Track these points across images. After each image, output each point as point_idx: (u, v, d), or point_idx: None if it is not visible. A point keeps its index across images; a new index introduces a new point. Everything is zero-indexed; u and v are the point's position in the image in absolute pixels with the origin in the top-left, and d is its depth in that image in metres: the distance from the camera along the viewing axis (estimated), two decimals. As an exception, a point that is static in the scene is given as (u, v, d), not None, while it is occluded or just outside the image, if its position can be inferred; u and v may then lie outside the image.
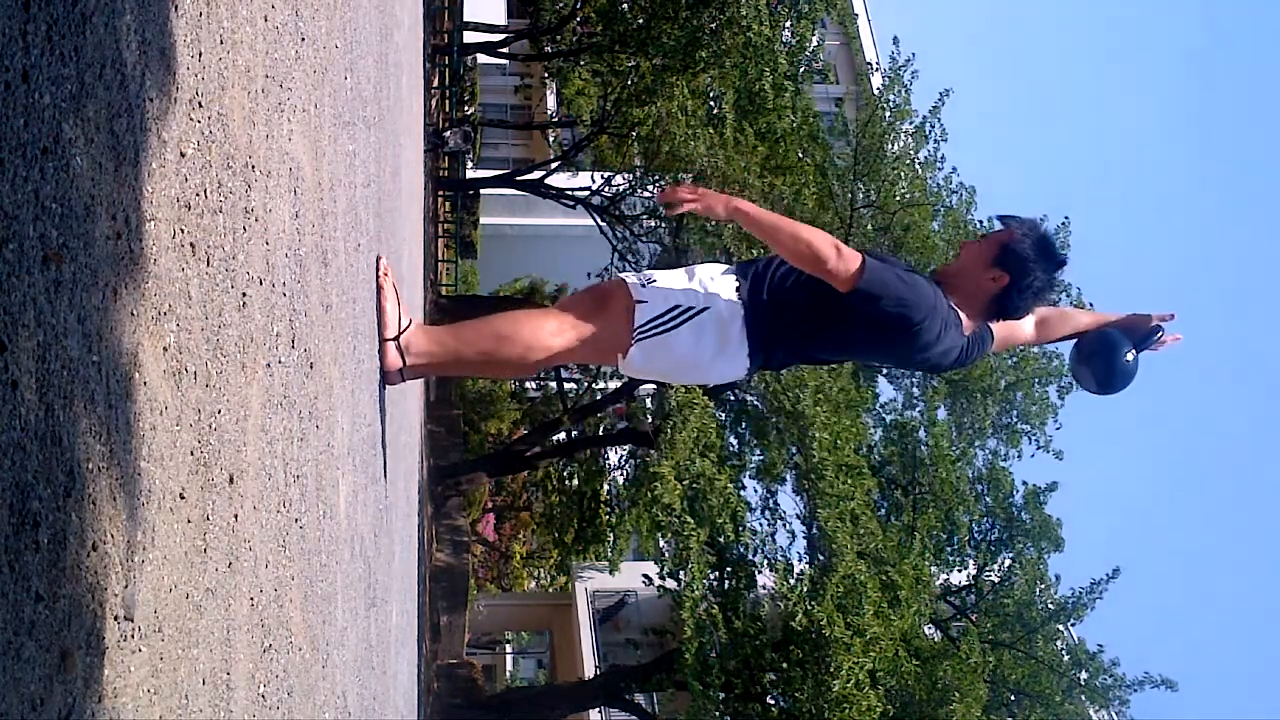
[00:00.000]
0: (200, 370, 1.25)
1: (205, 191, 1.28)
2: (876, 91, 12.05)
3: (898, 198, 11.47)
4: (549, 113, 19.76)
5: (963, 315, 2.80)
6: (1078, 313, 3.17)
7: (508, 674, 26.36)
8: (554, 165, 15.65)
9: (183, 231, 1.20)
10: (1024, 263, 2.76)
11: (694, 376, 3.03)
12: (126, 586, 1.01)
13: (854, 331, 2.75)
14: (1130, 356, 2.92)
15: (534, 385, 19.74)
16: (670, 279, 2.83)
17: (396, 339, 2.85)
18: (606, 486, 16.76)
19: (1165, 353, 3.05)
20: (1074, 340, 3.07)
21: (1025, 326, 3.04)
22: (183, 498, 1.17)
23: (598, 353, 2.95)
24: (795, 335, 2.82)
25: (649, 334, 2.76)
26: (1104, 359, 2.94)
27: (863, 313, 2.67)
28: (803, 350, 2.90)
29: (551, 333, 2.79)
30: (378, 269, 2.92)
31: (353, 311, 2.51)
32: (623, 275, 2.87)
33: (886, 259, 2.81)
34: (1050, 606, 10.94)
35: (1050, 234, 2.89)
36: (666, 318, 2.75)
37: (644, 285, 2.79)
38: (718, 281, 2.81)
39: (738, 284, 2.80)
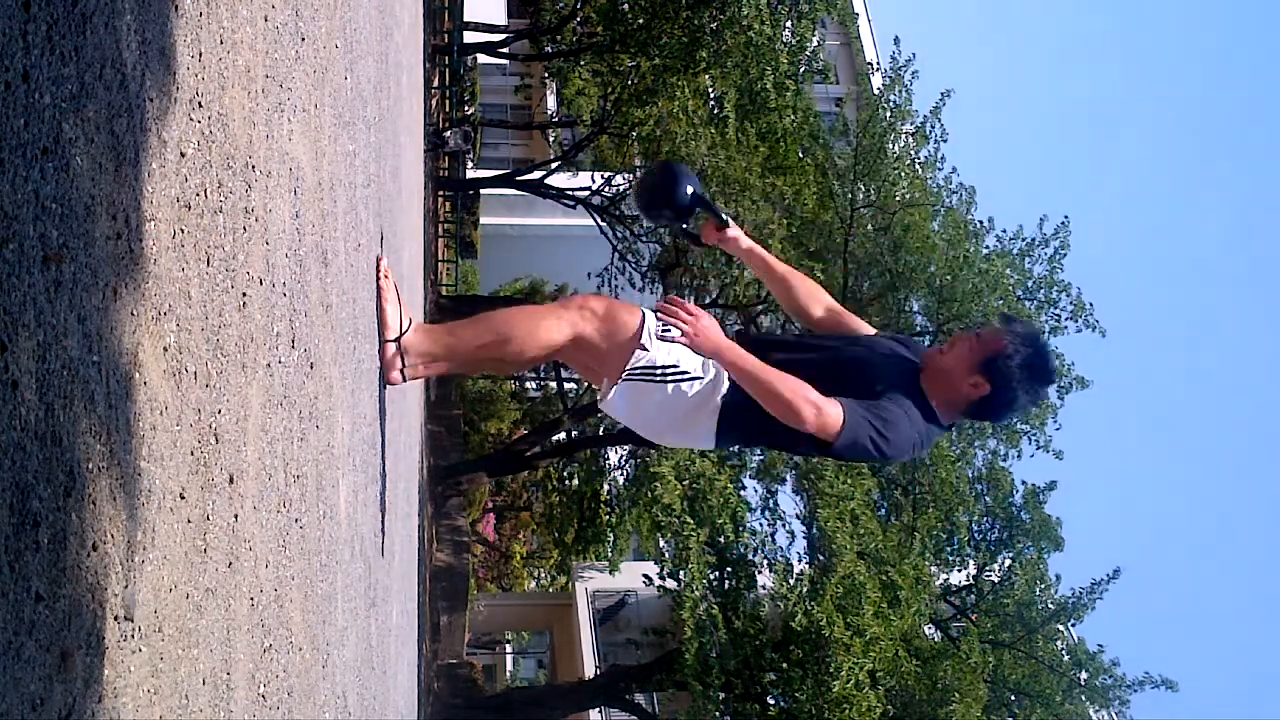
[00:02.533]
0: (200, 370, 1.25)
1: (205, 191, 1.28)
2: (877, 92, 12.05)
3: (898, 198, 11.48)
4: (549, 113, 19.75)
5: (942, 416, 2.74)
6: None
7: (508, 674, 26.35)
8: (554, 165, 15.64)
9: (183, 231, 1.20)
10: (1007, 380, 2.66)
11: (654, 436, 3.03)
12: (126, 586, 1.01)
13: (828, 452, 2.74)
14: (690, 191, 2.87)
15: (534, 385, 19.74)
16: (679, 342, 2.76)
17: (397, 340, 2.85)
18: (606, 486, 16.75)
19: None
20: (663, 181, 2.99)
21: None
22: (183, 498, 1.17)
23: (585, 368, 2.99)
24: (767, 437, 2.82)
25: (637, 377, 2.75)
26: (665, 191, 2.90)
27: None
28: (774, 445, 2.94)
29: (550, 330, 2.77)
30: (378, 270, 2.92)
31: (353, 311, 2.51)
32: (646, 311, 2.80)
33: (870, 361, 2.74)
34: (1050, 606, 10.94)
35: (1045, 351, 2.75)
36: (659, 372, 2.75)
37: (656, 336, 2.74)
38: (714, 372, 2.79)
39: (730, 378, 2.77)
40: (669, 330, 2.66)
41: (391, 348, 2.85)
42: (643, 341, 2.75)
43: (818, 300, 3.02)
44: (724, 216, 2.92)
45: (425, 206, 11.12)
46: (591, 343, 2.79)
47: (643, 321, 2.77)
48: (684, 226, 2.99)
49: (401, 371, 2.90)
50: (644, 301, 12.95)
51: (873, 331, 2.97)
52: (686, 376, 2.75)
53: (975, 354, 2.70)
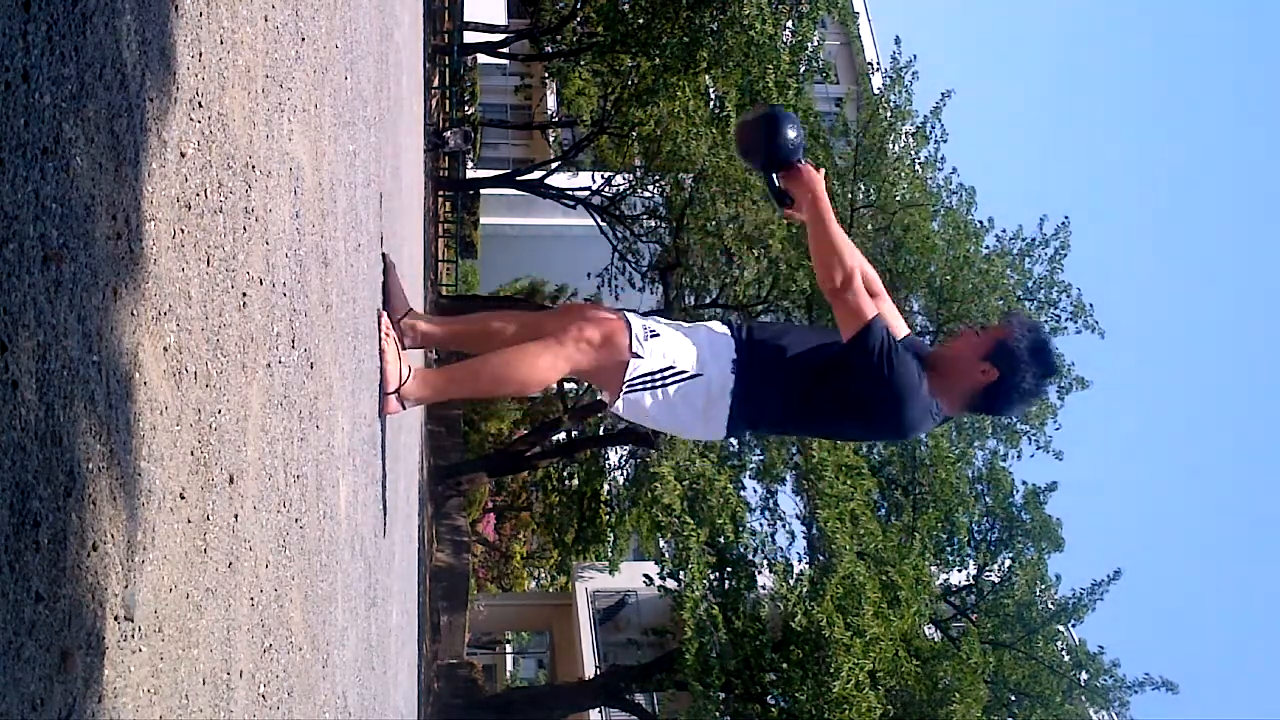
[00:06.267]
0: (200, 370, 1.25)
1: (205, 191, 1.28)
2: (877, 92, 12.05)
3: (898, 198, 11.48)
4: (549, 113, 19.75)
5: (942, 402, 2.83)
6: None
7: (508, 674, 26.34)
8: (554, 165, 15.63)
9: (183, 231, 1.20)
10: (1016, 363, 2.76)
11: (673, 431, 3.12)
12: (126, 586, 1.01)
13: (840, 405, 2.82)
14: (792, 134, 2.80)
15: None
16: (671, 336, 2.84)
17: (397, 391, 2.93)
18: (606, 486, 16.75)
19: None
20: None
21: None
22: (183, 498, 1.17)
23: (587, 379, 3.05)
24: (779, 411, 2.88)
25: (637, 388, 2.81)
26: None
27: (848, 383, 2.74)
28: (784, 425, 3.02)
29: (546, 368, 2.82)
30: (379, 327, 2.94)
31: (353, 311, 2.51)
32: (629, 318, 2.84)
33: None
34: (1051, 607, 10.93)
35: (1047, 337, 2.87)
36: (658, 376, 2.79)
37: (645, 340, 2.80)
38: (716, 350, 2.84)
39: (734, 356, 2.83)
40: (655, 333, 2.77)
41: (393, 400, 2.93)
42: (634, 350, 2.78)
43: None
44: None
45: (425, 206, 11.12)
46: (589, 371, 2.87)
47: (630, 332, 2.80)
48: (773, 180, 2.89)
49: (401, 403, 3.00)
50: (644, 302, 12.97)
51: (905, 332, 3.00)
52: (684, 377, 2.80)
53: (983, 342, 2.82)
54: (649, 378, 2.79)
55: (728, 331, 2.91)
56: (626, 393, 2.81)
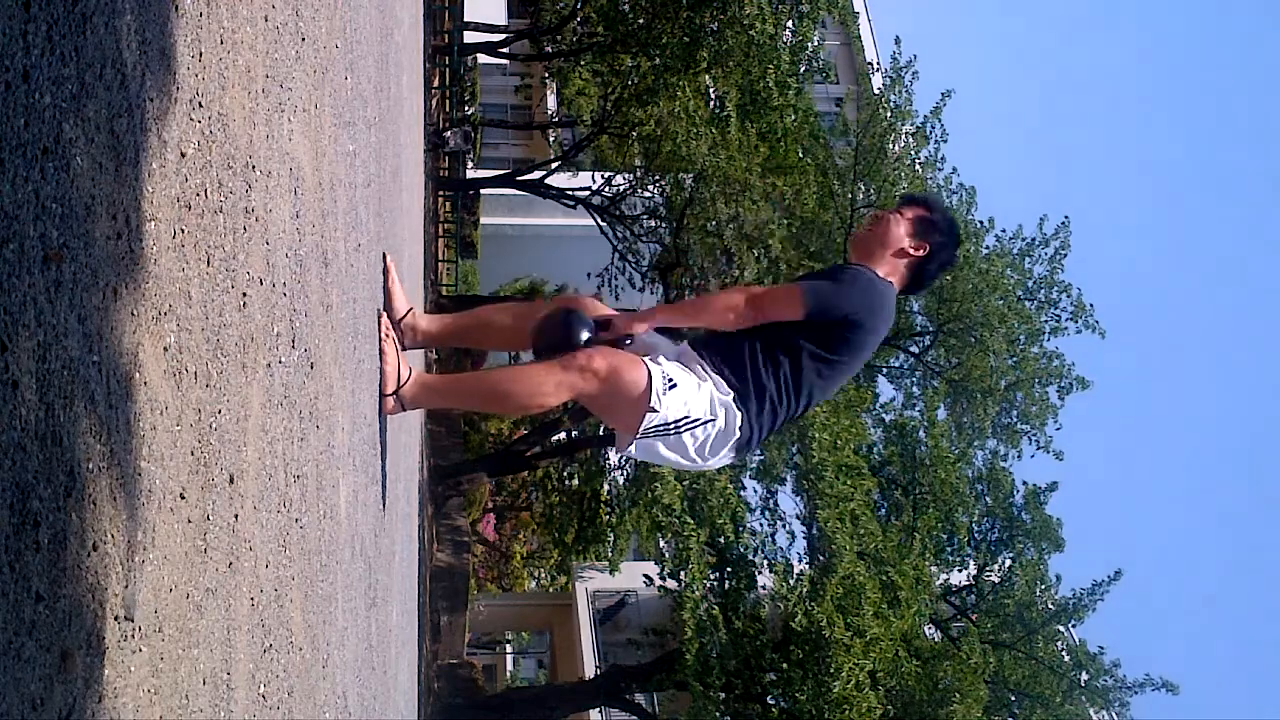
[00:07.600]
0: (200, 370, 1.25)
1: (205, 191, 1.28)
2: (877, 92, 12.06)
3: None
4: (549, 113, 19.74)
5: (893, 281, 2.98)
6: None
7: (508, 674, 26.35)
8: (554, 165, 15.62)
9: (183, 231, 1.20)
10: (941, 237, 3.02)
11: (684, 469, 3.16)
12: (126, 586, 1.01)
13: (829, 349, 2.88)
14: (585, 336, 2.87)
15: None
16: (686, 383, 2.84)
17: (395, 393, 2.94)
18: (606, 486, 16.73)
19: None
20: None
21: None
22: (183, 498, 1.17)
23: (593, 410, 3.03)
24: (781, 403, 2.93)
25: (650, 436, 2.82)
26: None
27: (824, 330, 2.84)
28: (782, 417, 3.00)
29: (548, 393, 2.79)
30: (380, 327, 2.94)
31: (353, 312, 2.51)
32: (652, 369, 2.80)
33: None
34: (1051, 607, 10.93)
35: (951, 212, 3.16)
36: (672, 426, 2.82)
37: (664, 394, 2.79)
38: (722, 397, 2.89)
39: (732, 394, 2.89)
40: (674, 383, 2.78)
41: (391, 401, 2.95)
42: (653, 404, 2.77)
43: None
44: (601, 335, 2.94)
45: (425, 206, 11.12)
46: (594, 401, 2.85)
47: (649, 378, 2.77)
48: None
49: (401, 404, 3.00)
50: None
51: None
52: (699, 423, 2.83)
53: (910, 223, 3.02)
54: (664, 427, 2.81)
55: (723, 382, 2.92)
56: (640, 439, 2.82)
